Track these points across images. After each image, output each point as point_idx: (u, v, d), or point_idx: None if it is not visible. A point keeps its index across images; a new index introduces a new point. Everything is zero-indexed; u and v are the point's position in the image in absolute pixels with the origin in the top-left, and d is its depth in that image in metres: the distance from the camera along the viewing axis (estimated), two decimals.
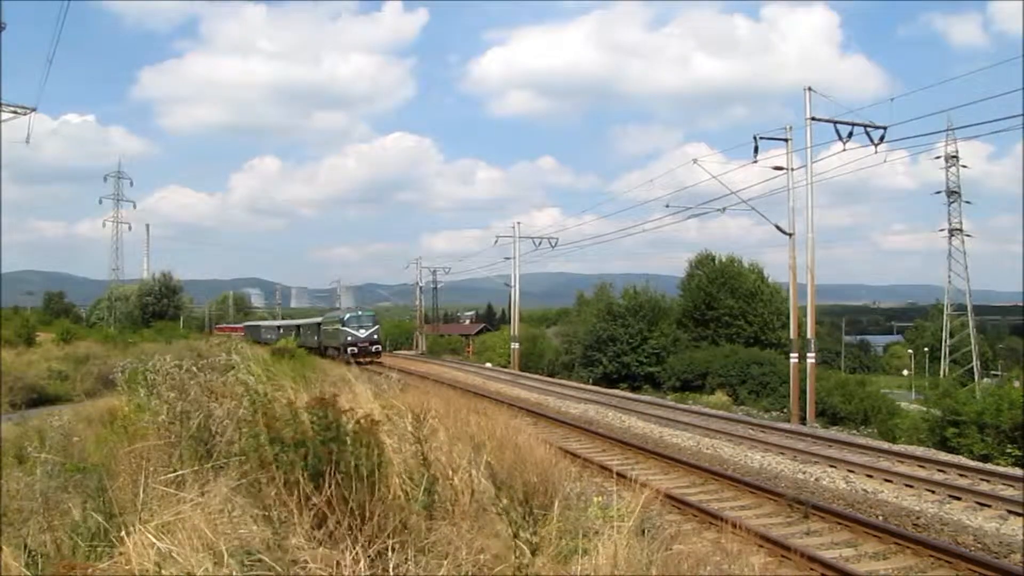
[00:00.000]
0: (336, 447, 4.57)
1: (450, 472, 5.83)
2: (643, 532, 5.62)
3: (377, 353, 44.43)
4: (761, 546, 8.24)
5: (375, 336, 45.27)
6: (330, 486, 4.37)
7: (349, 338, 43.38)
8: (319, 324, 52.47)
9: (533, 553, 4.24)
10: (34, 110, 33.46)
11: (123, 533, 4.63)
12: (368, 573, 3.95)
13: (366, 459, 4.59)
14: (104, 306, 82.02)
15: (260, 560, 3.97)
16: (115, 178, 79.64)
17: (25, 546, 4.95)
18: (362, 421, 4.95)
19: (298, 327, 58.43)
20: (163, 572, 3.83)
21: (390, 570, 4.03)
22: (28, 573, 4.50)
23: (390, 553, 4.10)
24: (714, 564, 5.72)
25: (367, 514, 4.35)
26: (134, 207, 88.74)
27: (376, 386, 12.37)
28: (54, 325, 54.96)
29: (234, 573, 3.87)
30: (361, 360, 38.42)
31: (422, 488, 4.96)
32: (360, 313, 47.11)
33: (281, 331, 60.09)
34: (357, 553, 4.00)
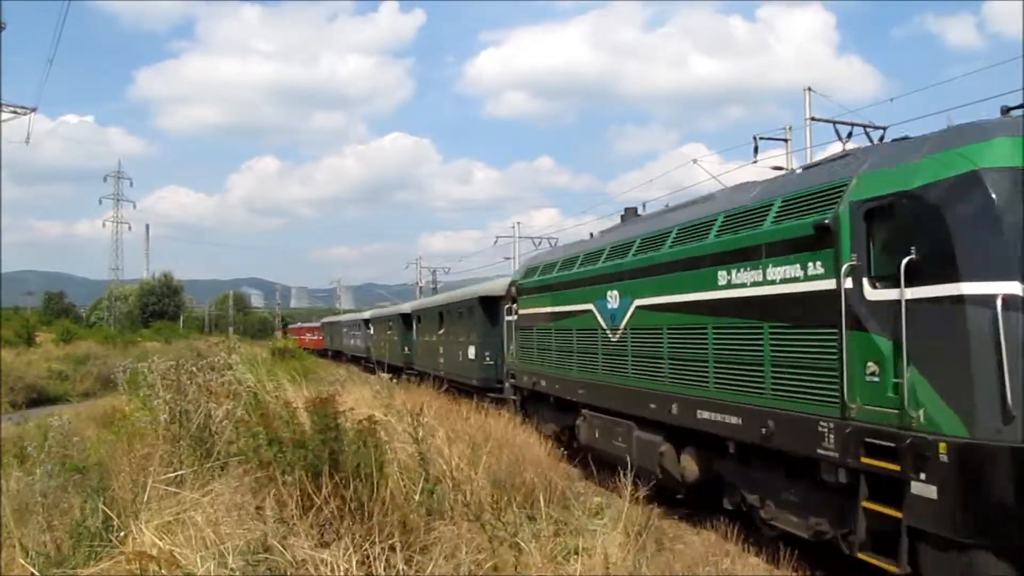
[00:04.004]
0: (335, 447, 4.59)
1: (449, 472, 5.85)
2: (639, 531, 5.64)
3: None
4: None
5: None
6: (330, 486, 4.39)
7: None
8: (467, 307, 18.88)
9: (518, 556, 4.26)
10: (34, 110, 33.54)
11: (123, 533, 4.65)
12: (369, 572, 3.97)
13: (365, 459, 4.61)
14: (104, 306, 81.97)
15: (262, 559, 3.98)
16: (115, 178, 79.52)
17: (25, 546, 4.96)
18: (361, 421, 4.97)
19: (403, 317, 27.33)
20: (164, 572, 3.85)
21: (391, 569, 4.04)
22: (28, 573, 4.51)
23: (390, 552, 4.12)
24: (711, 563, 5.74)
25: (367, 513, 4.37)
26: (134, 207, 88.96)
27: (373, 386, 12.40)
28: (54, 325, 54.93)
29: (236, 572, 3.88)
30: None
31: (420, 488, 4.97)
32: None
33: (372, 330, 34.40)
34: (358, 552, 4.02)
